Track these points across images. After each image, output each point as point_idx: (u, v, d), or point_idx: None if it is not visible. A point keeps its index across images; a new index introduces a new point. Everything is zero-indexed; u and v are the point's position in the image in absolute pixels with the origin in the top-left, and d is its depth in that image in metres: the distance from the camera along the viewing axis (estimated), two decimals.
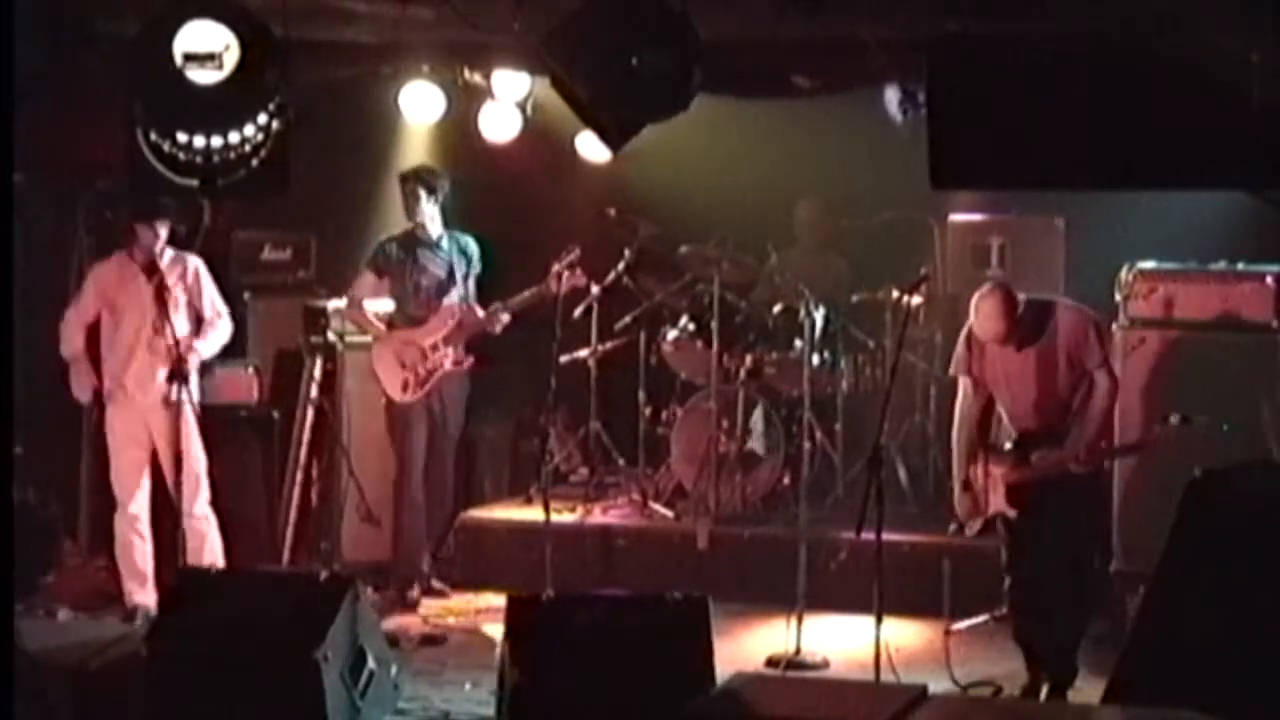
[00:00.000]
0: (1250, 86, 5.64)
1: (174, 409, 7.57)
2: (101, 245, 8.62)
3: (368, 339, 8.78)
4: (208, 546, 7.88)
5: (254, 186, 6.17)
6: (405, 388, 8.54)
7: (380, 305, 8.70)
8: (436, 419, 8.67)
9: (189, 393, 7.63)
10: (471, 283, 8.75)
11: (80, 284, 8.27)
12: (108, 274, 8.05)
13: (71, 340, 8.06)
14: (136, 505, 7.97)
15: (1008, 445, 6.93)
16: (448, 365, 8.61)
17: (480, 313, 8.68)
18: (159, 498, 7.96)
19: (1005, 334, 6.79)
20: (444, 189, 8.61)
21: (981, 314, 6.79)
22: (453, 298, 8.66)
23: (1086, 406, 6.80)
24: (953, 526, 7.40)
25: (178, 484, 7.63)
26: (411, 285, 8.62)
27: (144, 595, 7.91)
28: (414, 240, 8.64)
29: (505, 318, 8.66)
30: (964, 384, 7.09)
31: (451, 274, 8.67)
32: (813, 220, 9.83)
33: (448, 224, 8.70)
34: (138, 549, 7.95)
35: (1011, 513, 6.88)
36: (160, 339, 7.76)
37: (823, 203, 9.83)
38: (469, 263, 8.73)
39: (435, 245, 8.65)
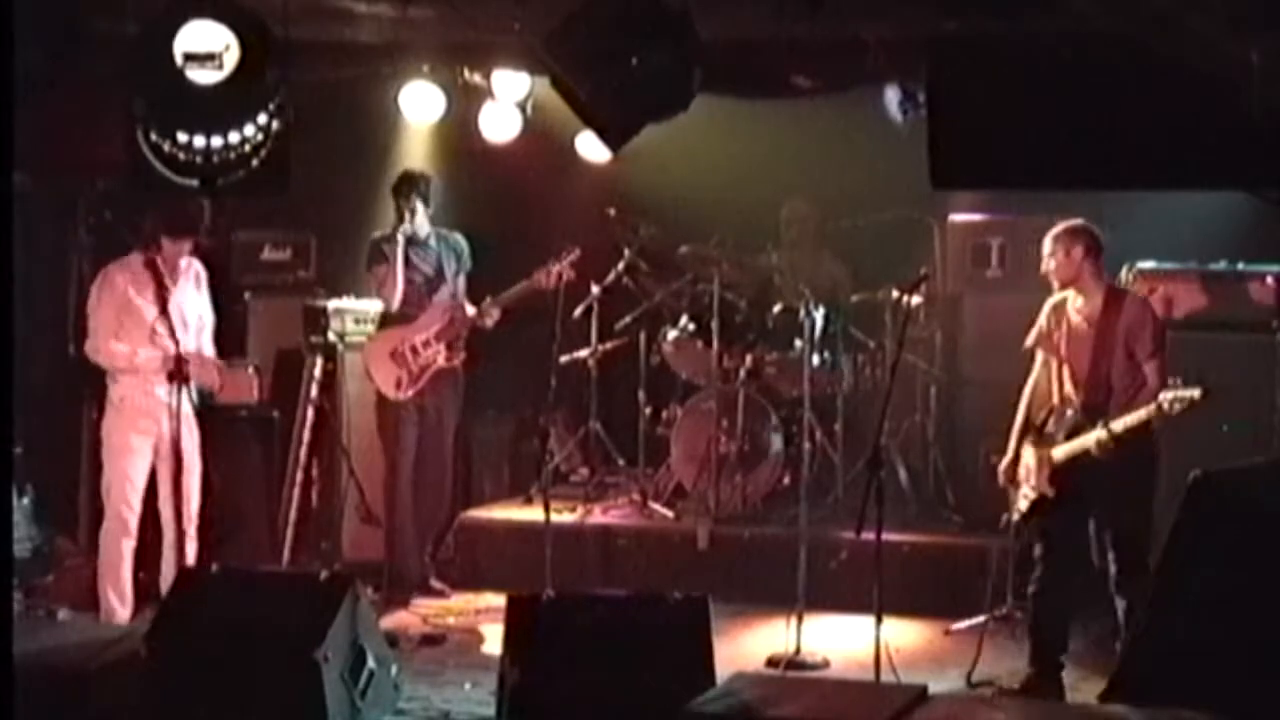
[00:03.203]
0: (1250, 86, 5.64)
1: (175, 412, 7.53)
2: (101, 245, 8.60)
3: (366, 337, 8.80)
4: (189, 555, 7.79)
5: (254, 186, 6.17)
6: (398, 385, 8.54)
7: (370, 305, 8.71)
8: (429, 417, 8.67)
9: (190, 394, 7.59)
10: (462, 280, 8.76)
11: (82, 287, 8.14)
12: (121, 280, 7.77)
13: (113, 354, 7.73)
14: (132, 512, 7.80)
15: (1050, 425, 6.99)
16: (440, 362, 8.61)
17: (470, 310, 8.69)
18: (148, 503, 7.87)
19: (1075, 274, 6.93)
20: (433, 191, 8.62)
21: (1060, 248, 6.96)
22: (443, 295, 8.67)
23: (1134, 397, 6.81)
24: (1004, 516, 7.29)
25: (176, 488, 7.58)
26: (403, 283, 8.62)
27: (124, 612, 7.76)
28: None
29: (496, 313, 8.66)
30: (1040, 358, 7.18)
31: (441, 271, 8.68)
32: (793, 219, 9.81)
33: (437, 221, 8.71)
34: (126, 561, 7.78)
35: (1050, 492, 6.91)
36: (161, 339, 7.71)
37: (807, 201, 9.80)
38: (459, 260, 8.74)
39: (424, 243, 8.65)
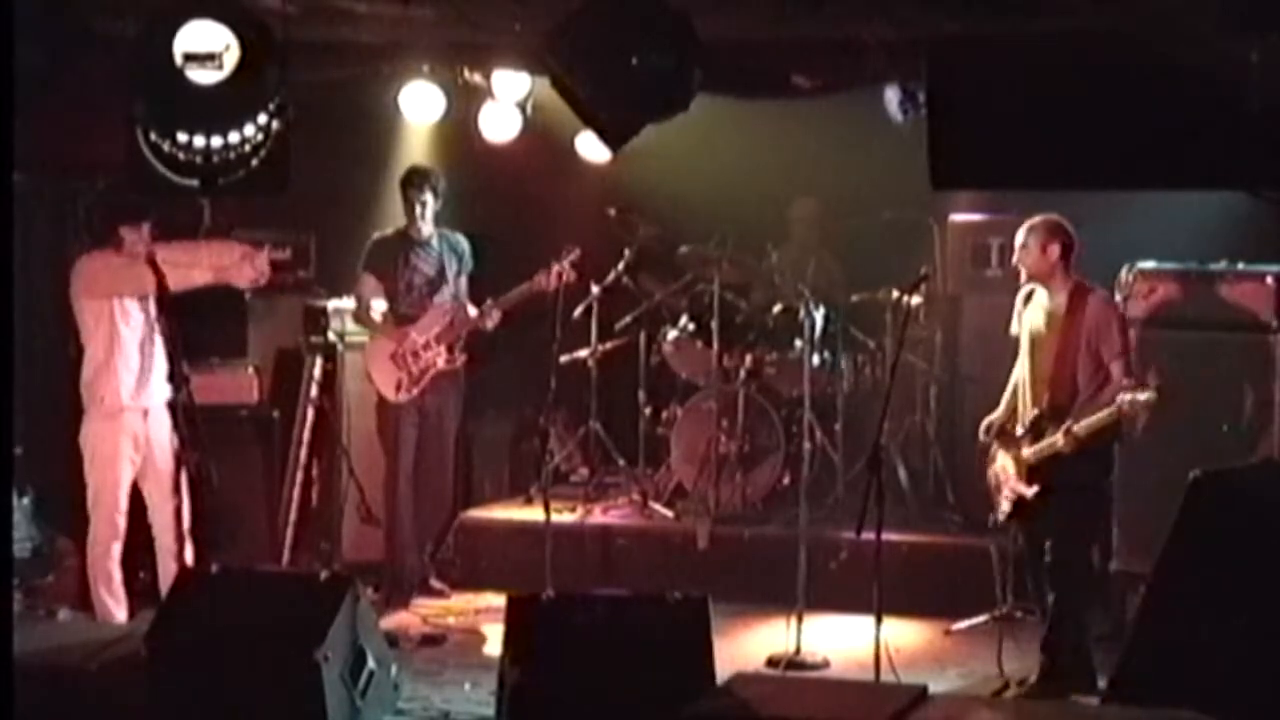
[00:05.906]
0: (1250, 86, 5.64)
1: (173, 413, 7.48)
2: (101, 246, 8.58)
3: (368, 338, 8.79)
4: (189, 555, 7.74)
5: (254, 186, 6.17)
6: (399, 387, 8.53)
7: (375, 306, 8.71)
8: (430, 418, 8.66)
9: (188, 394, 7.54)
10: (463, 281, 8.75)
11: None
12: (100, 273, 7.66)
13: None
14: (122, 516, 7.70)
15: (1020, 426, 7.00)
16: (440, 364, 8.59)
17: (472, 311, 8.67)
18: (138, 504, 7.79)
19: (1048, 271, 6.94)
20: (443, 189, 8.63)
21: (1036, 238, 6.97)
22: (444, 296, 8.66)
23: (1097, 395, 6.82)
24: (991, 517, 7.30)
25: (176, 488, 7.53)
26: (404, 284, 8.62)
27: (120, 613, 7.70)
28: (405, 239, 8.64)
29: (497, 315, 8.64)
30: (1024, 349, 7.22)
31: (443, 272, 8.67)
32: (805, 218, 9.84)
33: (439, 222, 8.70)
34: (116, 562, 7.70)
35: (1029, 492, 6.91)
36: (158, 336, 7.66)
37: (817, 201, 9.83)
38: (460, 261, 8.73)
39: (426, 244, 8.64)
